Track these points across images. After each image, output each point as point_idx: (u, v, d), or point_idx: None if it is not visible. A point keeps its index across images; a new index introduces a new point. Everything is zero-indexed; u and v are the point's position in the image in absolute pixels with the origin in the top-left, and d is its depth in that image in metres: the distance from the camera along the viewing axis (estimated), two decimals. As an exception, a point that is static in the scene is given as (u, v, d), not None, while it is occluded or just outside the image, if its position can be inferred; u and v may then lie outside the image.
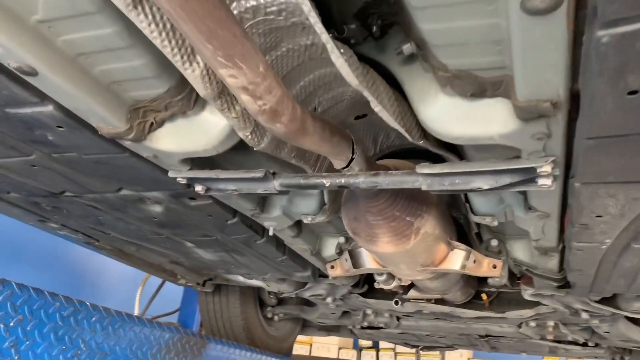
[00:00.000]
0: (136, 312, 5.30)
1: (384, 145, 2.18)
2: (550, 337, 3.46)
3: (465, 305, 3.18)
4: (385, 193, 1.70)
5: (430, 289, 2.67)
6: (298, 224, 2.29)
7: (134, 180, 1.82)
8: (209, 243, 2.41)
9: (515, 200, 1.80)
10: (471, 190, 1.42)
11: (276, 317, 4.25)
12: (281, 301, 4.19)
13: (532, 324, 3.35)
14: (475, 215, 1.93)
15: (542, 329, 3.39)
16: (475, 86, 1.14)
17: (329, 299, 3.37)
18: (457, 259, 2.12)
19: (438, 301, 3.10)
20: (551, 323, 3.32)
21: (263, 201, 2.04)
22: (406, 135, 1.35)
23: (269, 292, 4.05)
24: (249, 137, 1.41)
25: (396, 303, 2.85)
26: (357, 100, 1.78)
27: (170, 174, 1.64)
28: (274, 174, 1.58)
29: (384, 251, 1.85)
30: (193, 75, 1.14)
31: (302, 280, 3.07)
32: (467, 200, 1.92)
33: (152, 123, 1.43)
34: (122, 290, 6.50)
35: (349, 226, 1.88)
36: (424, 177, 1.41)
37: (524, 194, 1.74)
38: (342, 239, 2.48)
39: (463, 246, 2.11)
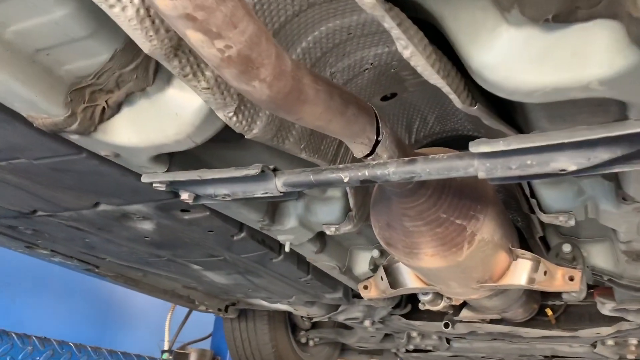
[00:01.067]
0: (166, 340, 4.98)
1: (420, 133, 1.77)
2: (632, 356, 2.93)
3: (527, 323, 2.70)
4: (426, 189, 1.28)
5: (487, 308, 2.22)
6: (320, 237, 1.89)
7: (107, 191, 1.46)
8: (218, 264, 2.03)
9: (600, 190, 1.36)
10: (550, 175, 0.99)
11: (311, 342, 3.83)
12: (316, 324, 3.77)
13: (610, 342, 2.84)
14: (545, 213, 1.49)
15: (622, 348, 2.87)
16: (559, 3, 0.73)
17: (366, 322, 2.94)
18: (522, 271, 1.67)
19: (495, 320, 2.64)
20: (634, 341, 2.80)
21: (273, 210, 1.65)
22: (452, 96, 0.94)
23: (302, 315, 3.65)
24: (234, 118, 1.03)
25: (446, 326, 2.41)
26: (383, 71, 1.38)
27: (144, 179, 1.27)
28: (275, 170, 1.19)
29: (428, 266, 1.43)
30: (125, 17, 0.76)
31: (333, 303, 2.66)
32: (533, 195, 1.48)
33: (103, 108, 1.06)
34: (152, 316, 6.20)
35: (381, 236, 1.46)
36: (482, 159, 0.99)
37: (615, 179, 1.29)
38: (375, 253, 2.06)
39: (529, 254, 1.66)
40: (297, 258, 2.04)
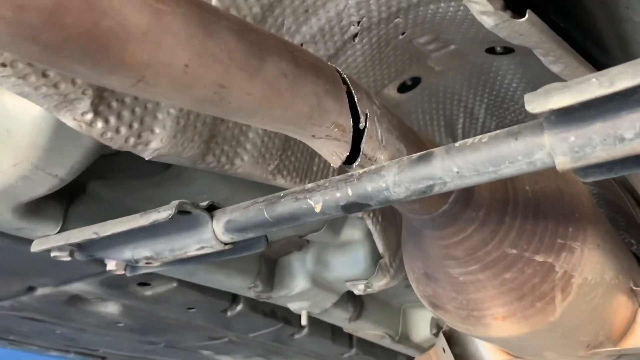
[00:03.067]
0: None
1: (469, 134, 1.25)
2: None
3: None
4: (474, 210, 0.77)
5: (609, 372, 1.58)
6: (353, 298, 1.38)
7: (25, 271, 1.05)
8: (228, 347, 1.56)
9: None
10: None
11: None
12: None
13: None
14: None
15: None
16: None
17: (450, 395, 2.33)
18: (657, 321, 1.08)
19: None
20: None
21: (268, 269, 1.17)
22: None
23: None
24: (98, 124, 0.60)
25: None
26: (385, 38, 0.90)
27: (34, 247, 0.84)
28: (210, 207, 0.72)
29: (502, 336, 0.89)
30: None
31: (399, 377, 2.10)
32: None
33: None
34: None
35: (422, 293, 0.95)
36: (558, 130, 0.47)
37: None
38: (436, 311, 1.51)
39: (666, 295, 1.07)
40: (330, 328, 1.53)
